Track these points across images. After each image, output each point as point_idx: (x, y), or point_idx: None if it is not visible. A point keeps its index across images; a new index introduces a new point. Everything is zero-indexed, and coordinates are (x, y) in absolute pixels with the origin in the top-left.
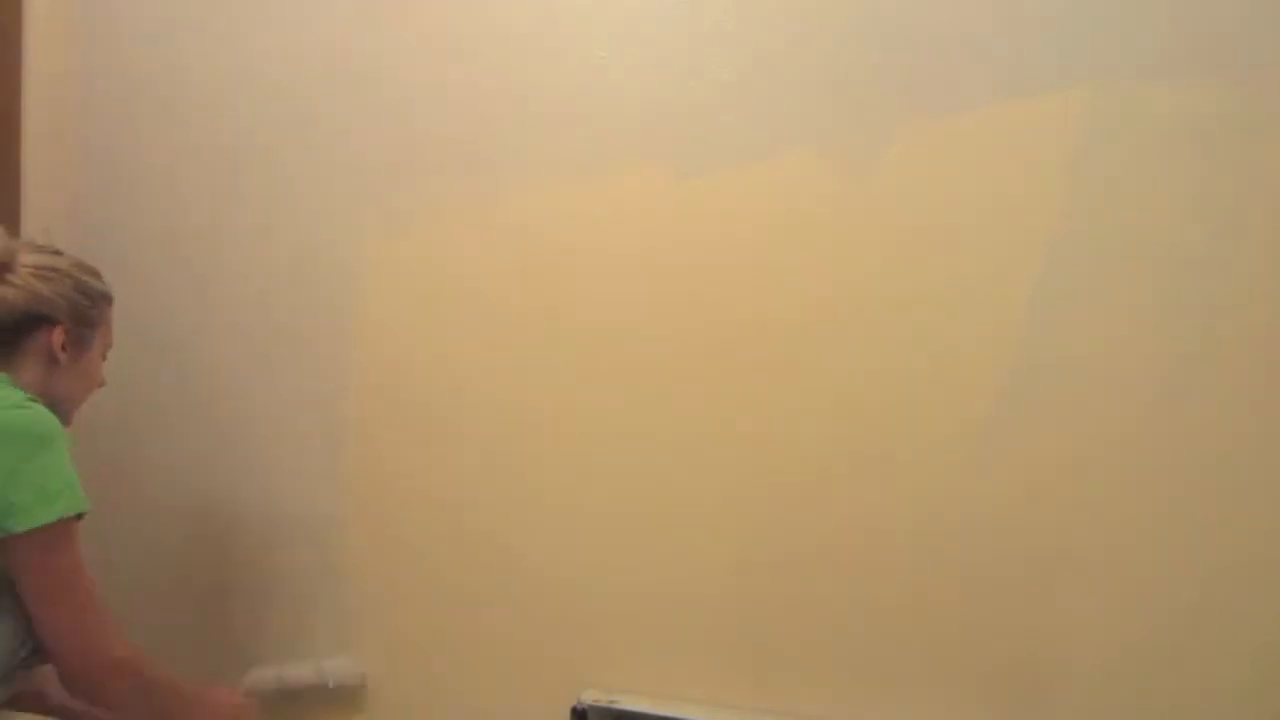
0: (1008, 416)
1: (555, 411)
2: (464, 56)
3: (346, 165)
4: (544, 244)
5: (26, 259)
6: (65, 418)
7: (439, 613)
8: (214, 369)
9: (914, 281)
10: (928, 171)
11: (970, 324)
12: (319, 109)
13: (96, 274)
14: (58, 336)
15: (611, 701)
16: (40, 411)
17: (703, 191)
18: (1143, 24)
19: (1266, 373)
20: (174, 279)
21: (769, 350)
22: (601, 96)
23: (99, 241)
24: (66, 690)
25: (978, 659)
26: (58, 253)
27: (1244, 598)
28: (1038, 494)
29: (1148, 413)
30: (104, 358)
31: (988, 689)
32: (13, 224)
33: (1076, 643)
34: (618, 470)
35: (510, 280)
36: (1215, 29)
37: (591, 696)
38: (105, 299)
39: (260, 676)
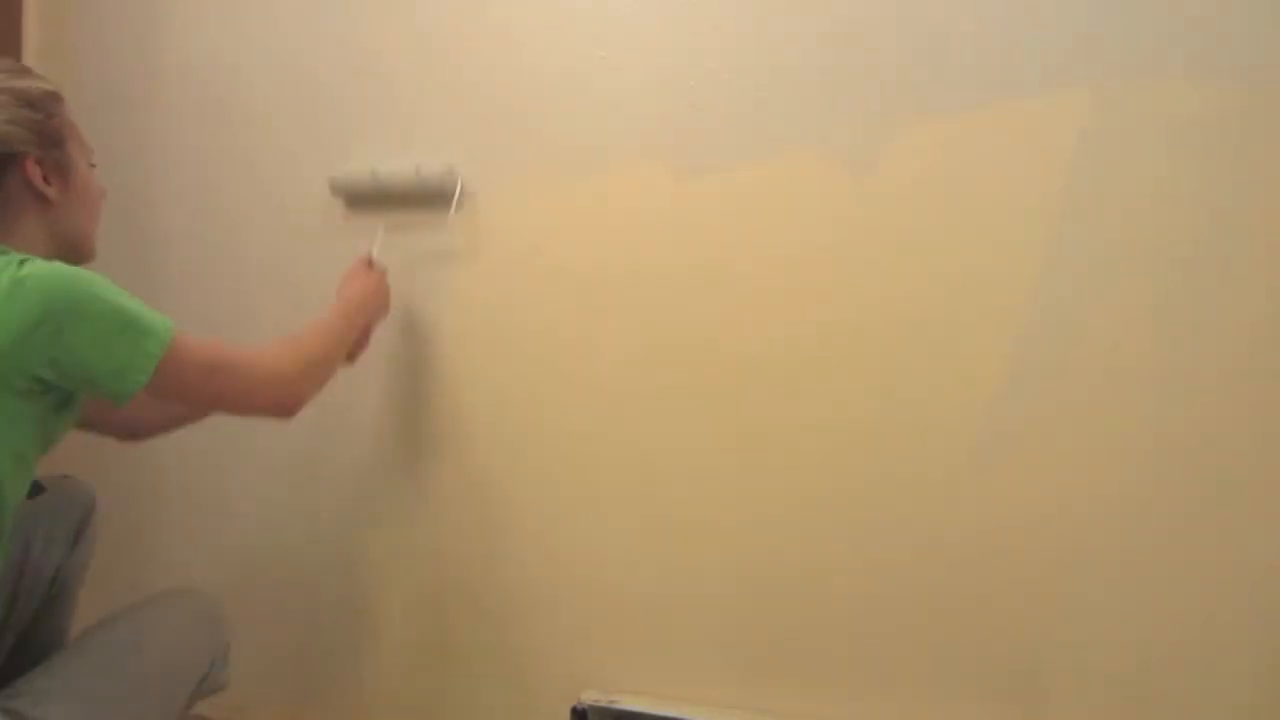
0: (1010, 416)
1: (553, 415)
2: (464, 54)
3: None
4: (544, 245)
5: None
6: (88, 253)
7: (440, 613)
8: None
9: (914, 281)
10: (928, 171)
11: (971, 324)
12: (325, 108)
13: (26, 71)
14: (33, 171)
15: (611, 701)
16: (56, 268)
17: (702, 192)
18: (1143, 24)
19: (1267, 373)
20: (186, 280)
21: (768, 350)
22: (601, 96)
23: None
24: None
25: (980, 662)
26: None
27: (1248, 601)
28: (1038, 495)
29: (1150, 412)
30: (92, 165)
31: (990, 692)
32: None
33: (1080, 649)
34: (617, 471)
35: (504, 287)
36: (1215, 29)
37: (591, 696)
38: (53, 98)
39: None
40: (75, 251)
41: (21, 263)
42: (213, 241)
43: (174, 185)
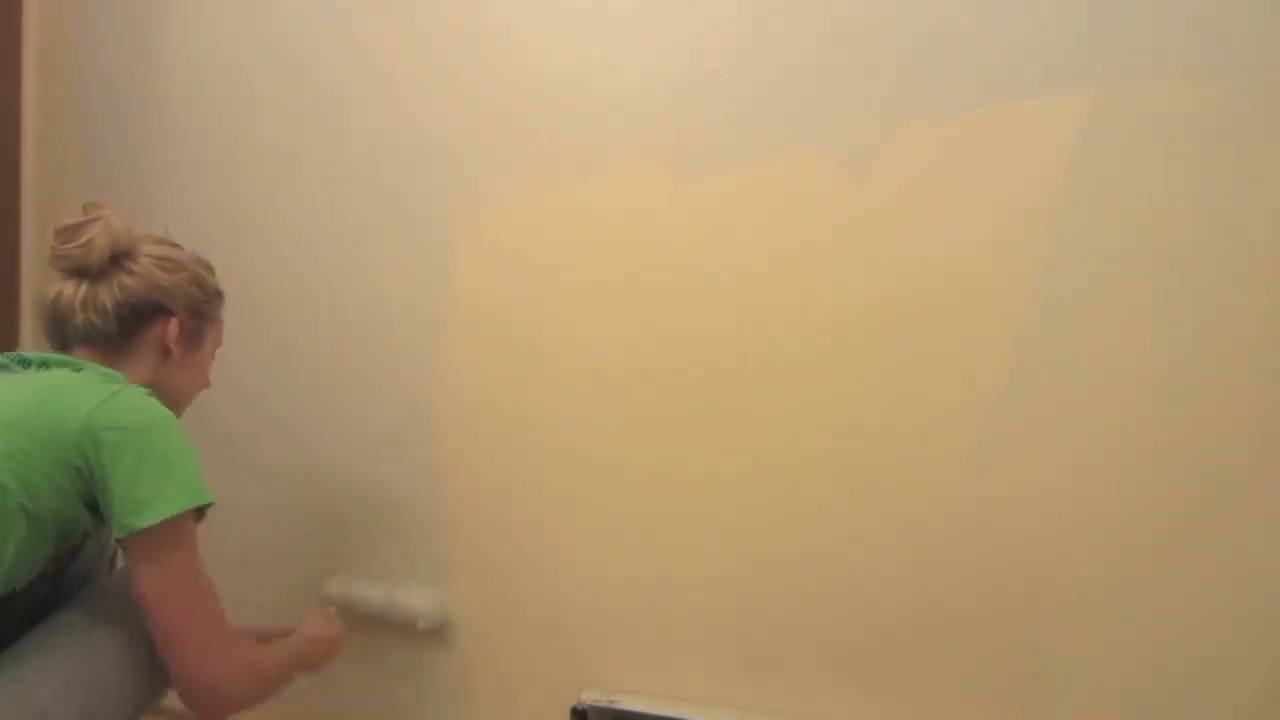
0: (1010, 416)
1: (553, 415)
2: (464, 54)
3: (348, 165)
4: (542, 246)
5: (149, 249)
6: (174, 415)
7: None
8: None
9: (913, 281)
10: (928, 171)
11: (970, 325)
12: (325, 108)
13: (212, 270)
14: (173, 329)
15: (611, 701)
16: (157, 406)
17: (702, 192)
18: (1143, 24)
19: (1268, 373)
20: None
21: (768, 351)
22: (601, 96)
23: None
24: (185, 702)
25: (979, 661)
26: (177, 245)
27: (1249, 601)
28: (1038, 496)
29: (1150, 412)
30: (213, 357)
31: (989, 691)
32: (13, 224)
33: (1079, 648)
34: (617, 471)
35: (498, 288)
36: (1215, 29)
37: (591, 696)
38: (219, 296)
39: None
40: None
41: (124, 388)
42: (211, 248)
43: (174, 187)
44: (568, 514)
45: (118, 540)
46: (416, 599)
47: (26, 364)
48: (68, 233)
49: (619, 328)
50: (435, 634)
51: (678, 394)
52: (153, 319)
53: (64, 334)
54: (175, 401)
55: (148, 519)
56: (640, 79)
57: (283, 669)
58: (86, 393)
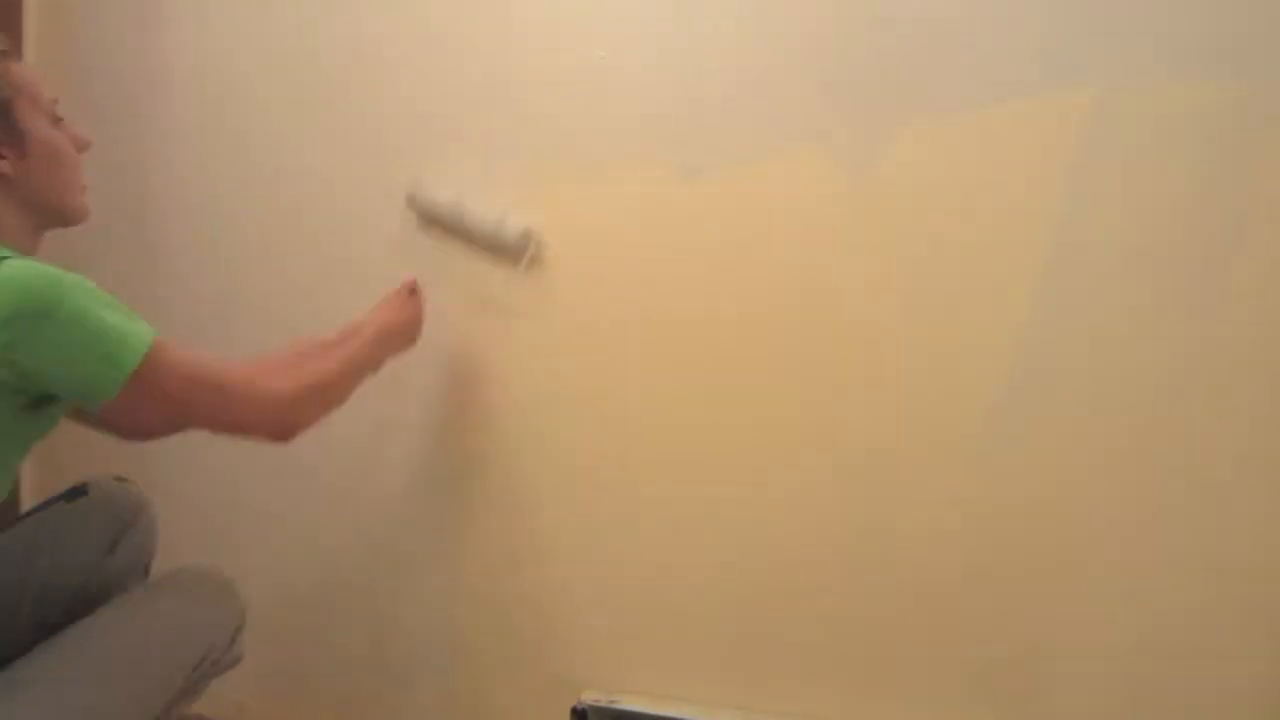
0: (1009, 416)
1: (552, 413)
2: (464, 53)
3: (348, 164)
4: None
5: None
6: (74, 215)
7: (440, 614)
8: None
9: (915, 280)
10: (929, 171)
11: (971, 324)
12: (335, 108)
13: None
14: None
15: (611, 701)
16: (24, 270)
17: (702, 192)
18: (1144, 24)
19: (1268, 373)
20: (183, 285)
21: (768, 351)
22: (601, 96)
23: (98, 245)
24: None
25: (979, 661)
26: None
27: (1246, 598)
28: (1039, 494)
29: (1150, 411)
30: (56, 121)
31: (989, 690)
32: None
33: (1078, 645)
34: (616, 470)
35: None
36: (1215, 29)
37: (591, 696)
38: None
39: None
40: (57, 216)
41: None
42: (213, 248)
43: (175, 186)
44: (568, 514)
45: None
46: None
47: None
48: None
49: (618, 328)
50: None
51: (675, 396)
52: None
53: None
54: (62, 199)
55: (107, 391)
56: (640, 79)
57: (345, 366)
58: None
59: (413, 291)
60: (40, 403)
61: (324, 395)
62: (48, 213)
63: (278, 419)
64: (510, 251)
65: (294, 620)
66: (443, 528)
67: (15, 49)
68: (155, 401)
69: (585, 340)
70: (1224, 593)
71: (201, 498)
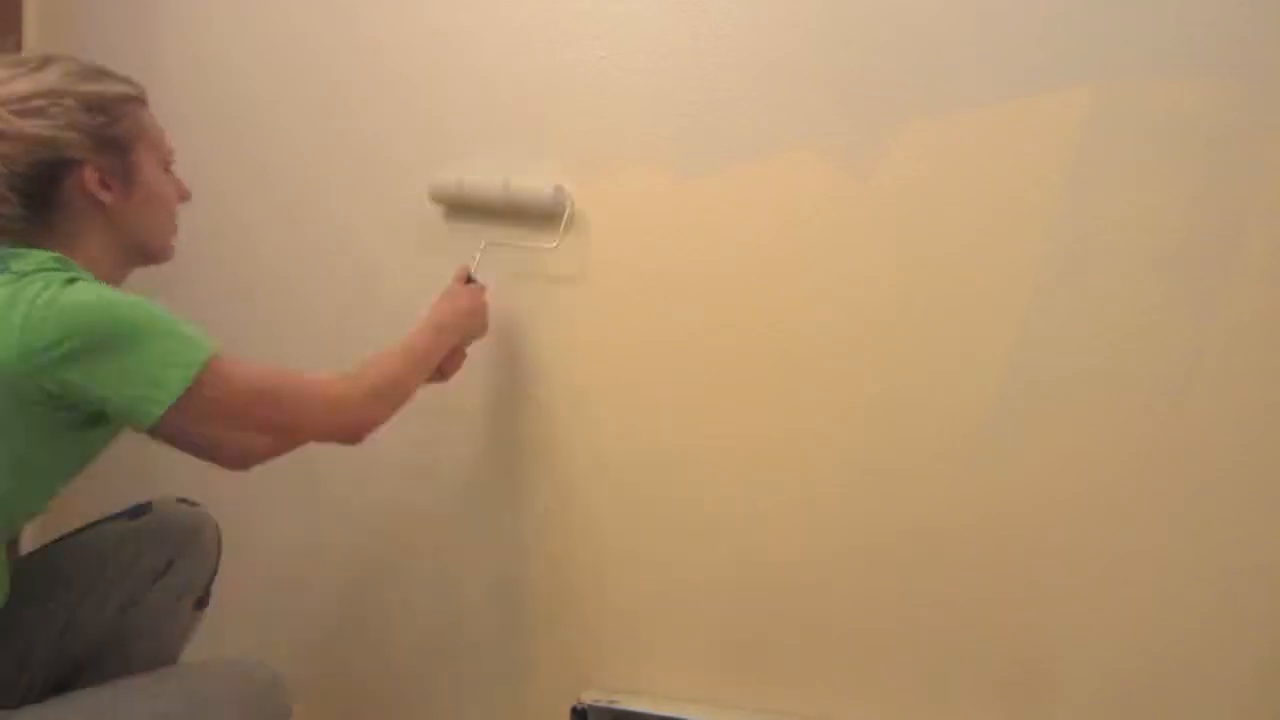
0: (1009, 416)
1: (550, 412)
2: (466, 51)
3: (350, 161)
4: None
5: (1, 95)
6: (159, 256)
7: (440, 614)
8: None
9: (914, 281)
10: (929, 171)
11: (970, 324)
12: (335, 107)
13: (103, 73)
14: (90, 179)
15: (611, 701)
16: (85, 291)
17: (702, 192)
18: (1143, 24)
19: (1268, 373)
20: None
21: (767, 351)
22: (602, 96)
23: None
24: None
25: (980, 661)
26: (36, 66)
27: (1246, 598)
28: (1038, 494)
29: (1150, 412)
30: (168, 168)
31: (990, 691)
32: None
33: (1078, 648)
34: (615, 469)
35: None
36: (1215, 29)
37: (591, 696)
38: (126, 101)
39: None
40: (142, 253)
41: (69, 281)
42: (216, 249)
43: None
44: (568, 514)
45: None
46: None
47: None
48: None
49: (618, 330)
50: None
51: (674, 395)
52: (60, 178)
53: None
54: (152, 241)
55: (161, 407)
56: (641, 79)
57: (406, 360)
58: (7, 315)
59: (468, 280)
60: (93, 421)
61: (392, 391)
62: (135, 248)
63: (348, 420)
64: (549, 214)
65: (293, 620)
66: (442, 528)
67: (15, 49)
68: (222, 415)
69: (579, 339)
70: (1224, 592)
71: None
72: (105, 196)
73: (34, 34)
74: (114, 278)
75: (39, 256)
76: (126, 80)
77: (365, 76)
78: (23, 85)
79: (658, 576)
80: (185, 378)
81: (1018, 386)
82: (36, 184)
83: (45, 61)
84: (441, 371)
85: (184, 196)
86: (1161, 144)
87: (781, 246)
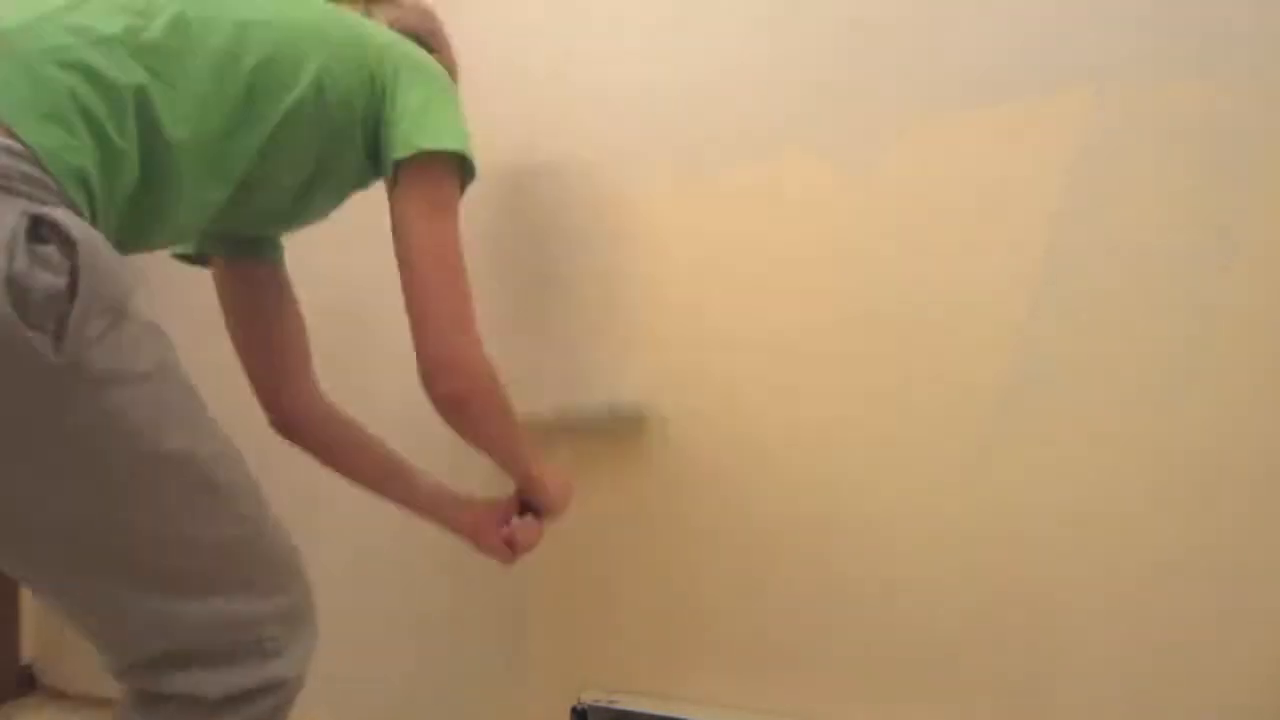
0: (1009, 417)
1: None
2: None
3: None
4: (535, 245)
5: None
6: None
7: (441, 612)
8: None
9: (913, 281)
10: (928, 171)
11: (970, 325)
12: None
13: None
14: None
15: (611, 701)
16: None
17: (702, 191)
18: (1143, 24)
19: (1269, 373)
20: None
21: (767, 351)
22: (603, 97)
23: None
24: (424, 383)
25: (980, 661)
26: None
27: (1247, 598)
28: (1039, 497)
29: (1149, 412)
30: None
31: (990, 691)
32: None
33: (1080, 648)
34: (614, 469)
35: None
36: (1215, 29)
37: (591, 696)
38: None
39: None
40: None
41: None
42: None
43: None
44: (567, 514)
45: (396, 162)
46: None
47: None
48: None
49: (615, 324)
50: None
51: (674, 394)
52: None
53: None
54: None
55: (440, 142)
56: (642, 80)
57: (512, 416)
58: (377, 28)
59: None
60: (374, 154)
61: (493, 409)
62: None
63: (445, 354)
64: (629, 427)
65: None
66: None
67: None
68: (431, 221)
69: (581, 338)
70: (1224, 593)
71: None
72: None
73: None
74: None
75: None
76: None
77: None
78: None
79: (658, 577)
80: (465, 146)
81: (1016, 387)
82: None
83: None
84: (510, 543)
85: None
86: (1162, 144)
87: (780, 246)
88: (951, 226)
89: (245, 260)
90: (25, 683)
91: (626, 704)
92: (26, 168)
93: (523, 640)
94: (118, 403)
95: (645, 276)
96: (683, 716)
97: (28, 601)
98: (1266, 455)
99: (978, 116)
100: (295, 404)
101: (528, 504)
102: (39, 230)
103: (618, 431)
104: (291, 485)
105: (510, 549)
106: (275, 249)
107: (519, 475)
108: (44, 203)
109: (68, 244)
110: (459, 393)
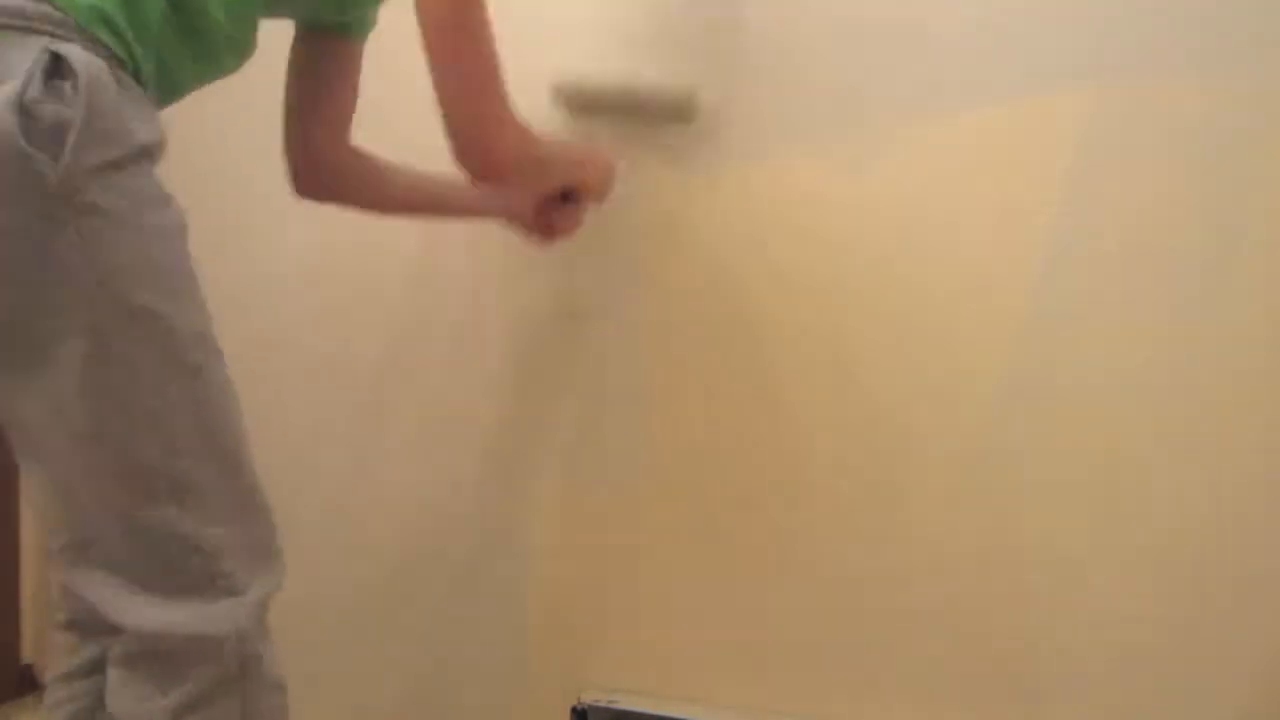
0: (1008, 417)
1: (548, 410)
2: None
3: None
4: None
5: None
6: None
7: (441, 612)
8: None
9: (913, 282)
10: (928, 171)
11: (970, 325)
12: None
13: None
14: None
15: (611, 701)
16: None
17: (702, 191)
18: (1143, 24)
19: (1269, 374)
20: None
21: (767, 350)
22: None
23: None
24: (461, 160)
25: (979, 660)
26: None
27: (1247, 598)
28: (1036, 497)
29: (1150, 412)
30: None
31: (990, 689)
32: None
33: (1078, 647)
34: (614, 468)
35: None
36: (1216, 29)
37: (591, 696)
38: None
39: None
40: None
41: None
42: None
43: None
44: (567, 513)
45: None
46: None
47: None
48: None
49: (617, 324)
50: None
51: (673, 394)
52: None
53: None
54: None
55: None
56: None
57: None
58: None
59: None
60: None
61: (476, 31)
62: None
63: (511, 126)
64: (682, 110)
65: (290, 618)
66: (442, 527)
67: None
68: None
69: (581, 339)
70: (1225, 595)
71: None
72: None
73: None
74: None
75: None
76: None
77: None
78: None
79: (658, 576)
80: None
81: (1018, 388)
82: None
83: None
84: (549, 228)
85: None
86: (1162, 145)
87: (778, 247)
88: (950, 227)
89: (312, 33)
90: (25, 683)
91: (626, 704)
92: (47, 8)
93: (523, 641)
94: (104, 238)
95: (643, 273)
96: (683, 716)
97: (28, 602)
98: (1266, 455)
99: (977, 116)
100: (324, 147)
101: (569, 194)
102: (59, 67)
103: (665, 114)
104: (292, 485)
105: (550, 233)
106: (341, 27)
107: (491, 137)
108: (66, 40)
109: (77, 79)
110: (491, 154)
